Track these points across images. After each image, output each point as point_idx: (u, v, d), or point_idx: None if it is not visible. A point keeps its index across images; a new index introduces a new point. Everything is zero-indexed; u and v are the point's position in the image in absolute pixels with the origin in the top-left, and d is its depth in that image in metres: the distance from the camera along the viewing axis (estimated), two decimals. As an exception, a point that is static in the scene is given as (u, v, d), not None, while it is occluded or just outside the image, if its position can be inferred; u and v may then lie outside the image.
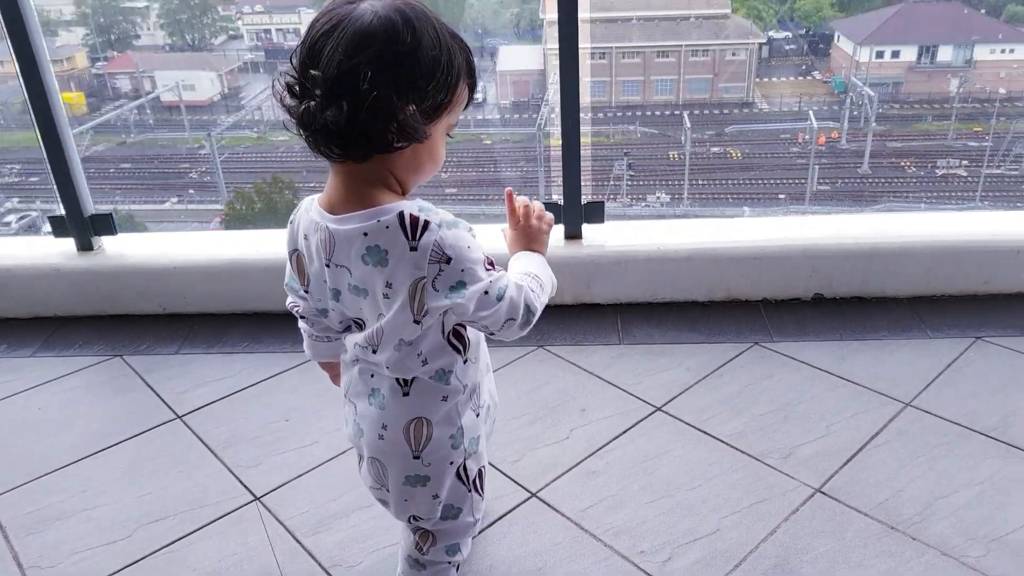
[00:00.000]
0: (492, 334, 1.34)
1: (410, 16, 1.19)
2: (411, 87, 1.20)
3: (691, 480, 2.10)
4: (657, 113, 11.47)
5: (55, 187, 2.87)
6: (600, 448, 2.23)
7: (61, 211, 2.92)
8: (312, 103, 1.17)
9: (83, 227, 2.93)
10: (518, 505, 2.04)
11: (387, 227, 1.22)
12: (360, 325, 1.37)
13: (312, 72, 1.16)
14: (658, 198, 10.60)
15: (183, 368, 2.67)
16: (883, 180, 10.72)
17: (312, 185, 10.33)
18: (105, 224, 2.95)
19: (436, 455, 1.42)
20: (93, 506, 2.10)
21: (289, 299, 1.50)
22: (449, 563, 1.61)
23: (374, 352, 1.35)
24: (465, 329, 1.38)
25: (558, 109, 2.73)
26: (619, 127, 11.39)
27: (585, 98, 2.77)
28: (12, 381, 2.64)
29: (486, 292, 1.26)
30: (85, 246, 2.96)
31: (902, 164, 11.00)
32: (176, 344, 2.81)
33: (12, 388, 2.60)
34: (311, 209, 1.32)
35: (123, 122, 10.55)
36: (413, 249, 1.22)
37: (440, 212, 1.25)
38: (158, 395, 2.54)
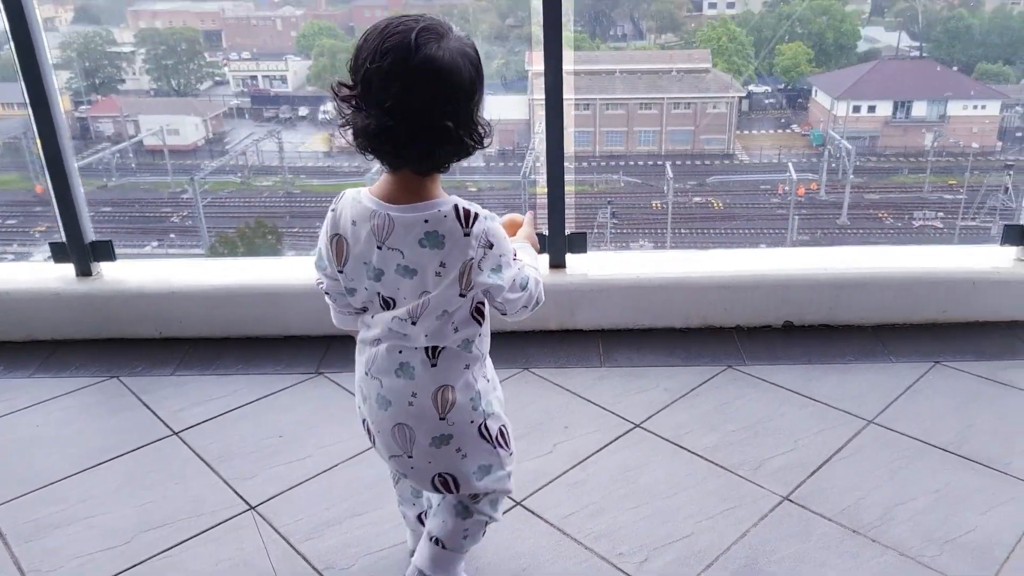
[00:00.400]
0: (504, 314, 1.59)
1: (475, 48, 1.45)
2: (482, 105, 1.47)
3: (668, 489, 2.22)
4: (640, 163, 11.62)
5: (57, 214, 2.99)
6: (582, 461, 2.34)
7: (62, 237, 3.03)
8: (448, 146, 1.43)
9: (83, 253, 3.04)
10: (504, 513, 2.14)
11: (445, 216, 1.46)
12: (388, 304, 1.54)
13: (448, 124, 1.39)
14: (641, 246, 10.77)
15: (178, 389, 2.77)
16: (861, 231, 10.90)
17: (296, 230, 10.41)
18: (105, 250, 3.07)
19: (458, 416, 1.60)
20: (92, 515, 2.18)
21: (316, 276, 1.65)
22: (490, 517, 1.78)
23: (413, 324, 1.53)
24: (485, 305, 1.58)
25: (543, 158, 2.89)
26: (603, 176, 11.56)
27: (569, 147, 2.91)
28: (10, 400, 2.72)
29: (514, 279, 1.55)
30: (84, 271, 3.07)
31: (880, 215, 11.15)
32: (172, 366, 2.90)
33: (10, 407, 2.69)
34: (361, 199, 1.50)
35: (105, 166, 10.56)
36: (467, 235, 1.47)
37: (478, 207, 1.49)
38: (154, 413, 2.63)
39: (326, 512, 2.16)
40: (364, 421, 1.69)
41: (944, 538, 2.01)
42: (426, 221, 1.45)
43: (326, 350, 2.96)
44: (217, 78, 11.25)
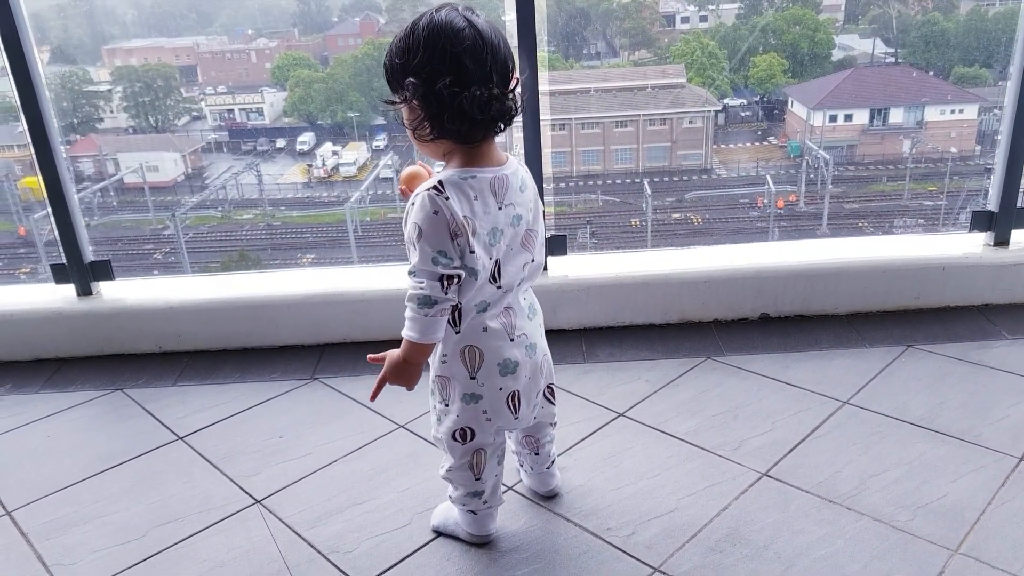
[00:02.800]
0: None
1: None
2: None
3: (651, 470, 2.33)
4: (618, 181, 11.55)
5: (56, 236, 3.09)
6: (569, 448, 2.45)
7: (62, 259, 3.13)
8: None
9: (83, 273, 3.15)
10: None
11: (520, 163, 1.81)
12: (496, 274, 1.75)
13: (518, 77, 1.70)
14: (622, 265, 10.80)
15: (180, 398, 2.87)
16: (843, 241, 10.90)
17: (277, 262, 10.47)
18: (103, 270, 3.18)
19: None
20: (106, 513, 2.28)
21: (437, 276, 1.67)
22: None
23: (534, 261, 1.84)
24: None
25: None
26: (581, 196, 11.58)
27: (547, 168, 3.02)
28: (20, 415, 2.82)
29: None
30: (85, 291, 3.18)
31: (860, 225, 11.15)
32: (172, 378, 3.01)
33: (21, 420, 2.79)
34: (474, 175, 1.70)
35: (86, 205, 10.56)
36: (527, 172, 1.85)
37: None
38: (159, 420, 2.73)
39: (328, 502, 2.27)
40: (510, 397, 1.88)
41: (916, 504, 2.13)
42: (516, 170, 1.77)
43: (320, 357, 3.08)
44: (194, 113, 11.20)
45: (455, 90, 1.59)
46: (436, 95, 1.60)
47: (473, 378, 1.83)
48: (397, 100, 1.70)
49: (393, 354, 1.79)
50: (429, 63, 1.60)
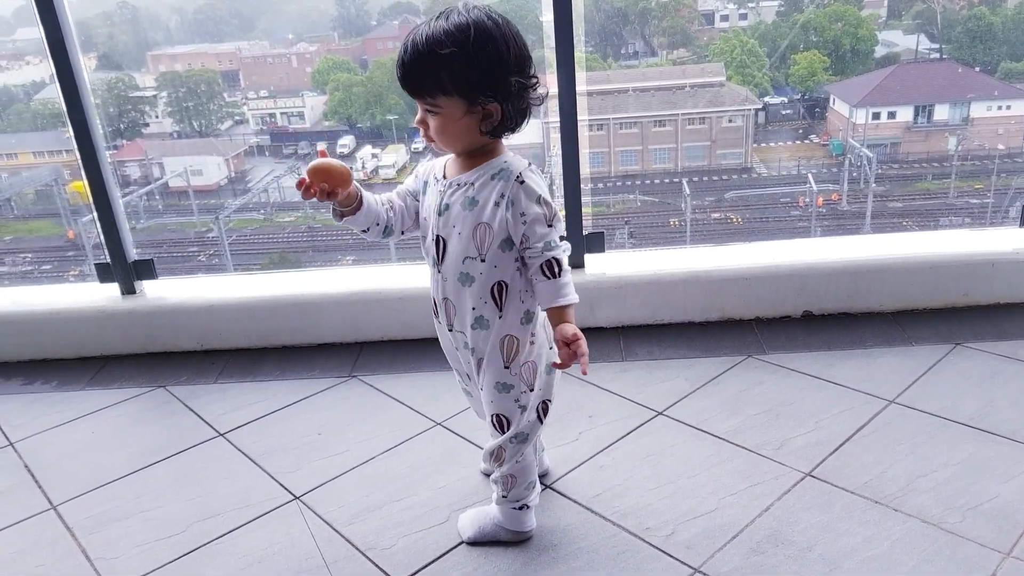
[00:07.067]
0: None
1: None
2: None
3: (691, 470, 2.30)
4: (656, 181, 11.47)
5: (101, 236, 3.13)
6: (607, 447, 2.43)
7: (106, 259, 3.18)
8: None
9: (127, 272, 3.19)
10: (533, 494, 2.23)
11: None
12: None
13: None
14: (661, 267, 10.71)
15: (221, 395, 2.89)
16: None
17: (318, 264, 10.56)
18: (147, 269, 3.22)
19: None
20: (149, 508, 2.31)
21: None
22: None
23: None
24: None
25: (559, 180, 3.00)
26: (619, 196, 11.52)
27: (585, 169, 3.00)
28: (65, 411, 2.86)
29: None
30: (128, 290, 3.22)
31: (904, 224, 10.99)
32: (213, 375, 3.03)
33: (65, 417, 2.83)
34: None
35: (132, 209, 10.75)
36: None
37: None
38: (200, 417, 2.76)
39: (366, 499, 2.27)
40: None
41: (966, 505, 2.07)
42: None
43: (358, 355, 3.08)
44: (237, 117, 11.37)
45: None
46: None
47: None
48: None
49: (569, 328, 1.71)
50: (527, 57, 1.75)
